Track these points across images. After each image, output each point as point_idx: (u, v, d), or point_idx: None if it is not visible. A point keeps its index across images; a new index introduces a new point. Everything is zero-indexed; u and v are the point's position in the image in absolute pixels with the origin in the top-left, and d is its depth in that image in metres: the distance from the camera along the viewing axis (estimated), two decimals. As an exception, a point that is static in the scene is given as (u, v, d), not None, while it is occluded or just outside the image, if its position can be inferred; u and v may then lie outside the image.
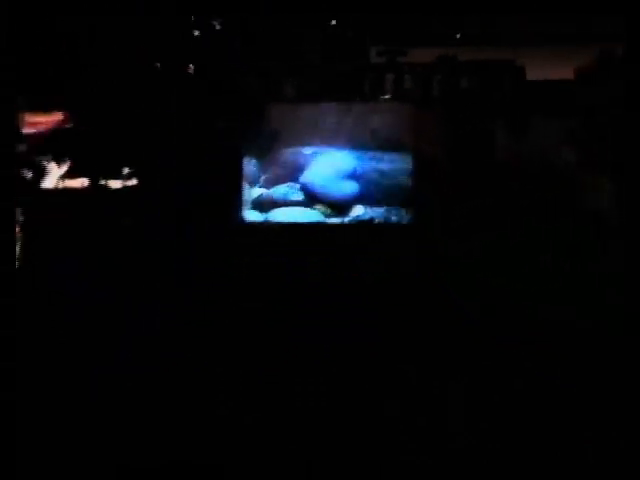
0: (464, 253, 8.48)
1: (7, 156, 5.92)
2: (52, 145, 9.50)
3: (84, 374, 7.33)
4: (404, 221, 9.18)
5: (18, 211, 9.07)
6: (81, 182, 9.57)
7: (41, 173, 9.48)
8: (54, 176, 9.55)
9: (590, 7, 10.19)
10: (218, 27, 9.94)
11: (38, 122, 9.48)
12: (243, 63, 9.86)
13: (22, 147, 9.39)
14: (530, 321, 8.08)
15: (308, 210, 9.59)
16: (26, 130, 9.42)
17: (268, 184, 9.95)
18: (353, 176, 9.54)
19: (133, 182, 9.48)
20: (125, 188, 9.48)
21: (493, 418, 6.19)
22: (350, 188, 9.57)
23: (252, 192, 9.80)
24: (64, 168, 9.56)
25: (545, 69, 9.54)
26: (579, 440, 5.84)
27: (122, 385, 7.07)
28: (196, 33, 9.90)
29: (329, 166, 9.59)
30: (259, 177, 9.96)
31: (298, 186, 9.74)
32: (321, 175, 9.60)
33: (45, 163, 9.45)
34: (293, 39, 9.94)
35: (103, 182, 9.46)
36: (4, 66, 5.82)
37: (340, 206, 9.59)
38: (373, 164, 9.54)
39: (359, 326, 8.12)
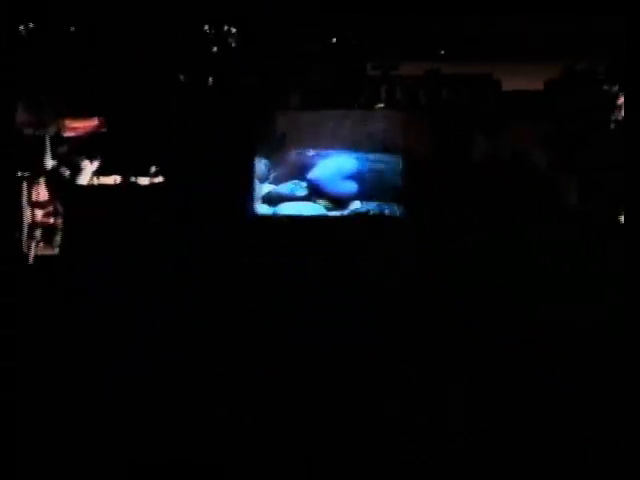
0: (451, 244, 9.41)
1: (7, 157, 5.63)
2: (88, 146, 10.63)
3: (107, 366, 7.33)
4: (396, 214, 10.23)
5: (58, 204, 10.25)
6: (113, 179, 10.72)
7: (78, 171, 10.62)
8: (88, 173, 10.69)
9: (590, 7, 10.65)
10: (233, 44, 11.06)
11: (77, 127, 10.60)
12: (258, 74, 10.98)
13: (62, 149, 10.54)
14: (512, 316, 8.29)
15: (312, 204, 10.62)
16: (67, 134, 10.59)
17: (277, 181, 10.99)
18: (353, 175, 10.62)
19: (159, 179, 10.63)
20: (152, 185, 10.63)
21: (491, 417, 6.03)
22: (350, 186, 10.63)
23: (262, 188, 10.84)
24: (96, 166, 10.71)
25: (519, 81, 10.66)
26: (578, 440, 5.64)
27: (137, 378, 7.03)
28: (214, 49, 11.01)
29: (332, 166, 10.68)
30: (269, 175, 11.00)
31: (304, 183, 10.79)
32: (325, 174, 10.67)
33: (81, 162, 10.58)
34: (299, 53, 11.01)
35: (133, 179, 10.61)
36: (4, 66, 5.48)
37: (340, 201, 10.65)
38: (370, 164, 10.61)
39: (357, 310, 8.49)
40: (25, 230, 9.95)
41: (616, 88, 10.32)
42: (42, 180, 10.21)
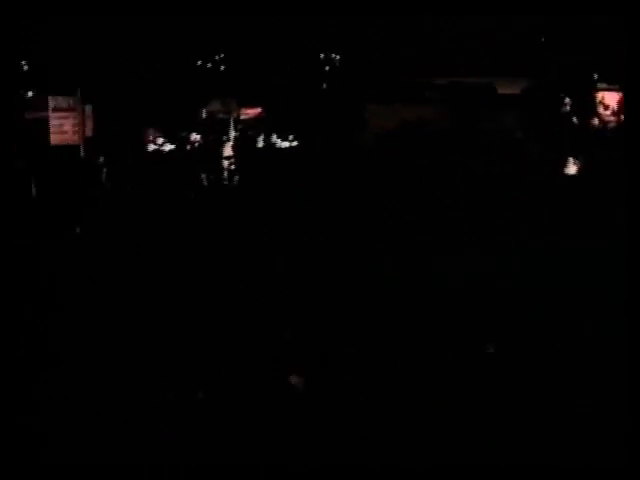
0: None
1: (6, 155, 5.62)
2: (254, 124, 16.15)
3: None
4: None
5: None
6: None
7: (253, 140, 16.16)
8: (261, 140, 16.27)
9: (590, 7, 12.75)
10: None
11: (248, 113, 16.20)
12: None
13: (240, 125, 16.12)
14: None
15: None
16: (242, 117, 16.20)
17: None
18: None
19: (295, 143, 16.12)
20: (290, 147, 16.15)
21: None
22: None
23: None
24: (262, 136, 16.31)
25: (507, 88, 15.75)
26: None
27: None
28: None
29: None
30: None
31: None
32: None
33: (250, 133, 16.13)
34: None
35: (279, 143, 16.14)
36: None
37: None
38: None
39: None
40: (225, 172, 15.48)
41: (563, 94, 15.44)
42: (229, 143, 15.84)
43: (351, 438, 4.83)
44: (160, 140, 15.86)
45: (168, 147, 16.11)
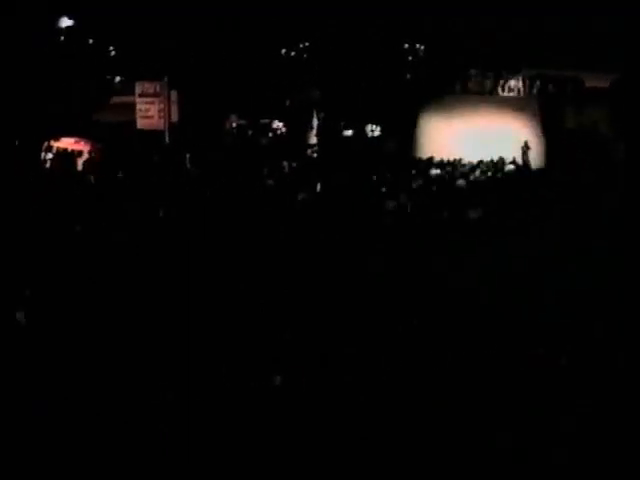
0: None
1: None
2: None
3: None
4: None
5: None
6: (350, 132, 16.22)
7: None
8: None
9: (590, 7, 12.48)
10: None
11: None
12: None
13: (323, 115, 16.04)
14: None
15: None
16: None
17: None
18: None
19: (377, 133, 16.04)
20: (372, 136, 16.05)
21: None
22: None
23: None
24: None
25: (595, 82, 15.27)
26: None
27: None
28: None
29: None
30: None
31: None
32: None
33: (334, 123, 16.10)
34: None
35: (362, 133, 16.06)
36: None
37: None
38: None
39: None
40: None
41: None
42: (313, 131, 15.86)
43: (351, 438, 4.74)
44: (243, 127, 15.94)
45: (250, 134, 16.20)
